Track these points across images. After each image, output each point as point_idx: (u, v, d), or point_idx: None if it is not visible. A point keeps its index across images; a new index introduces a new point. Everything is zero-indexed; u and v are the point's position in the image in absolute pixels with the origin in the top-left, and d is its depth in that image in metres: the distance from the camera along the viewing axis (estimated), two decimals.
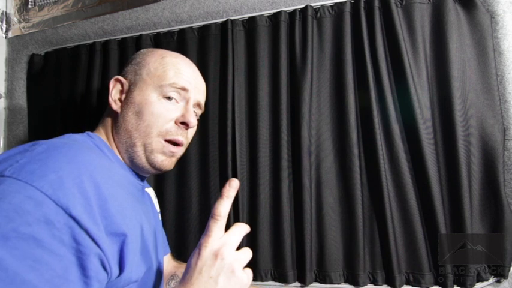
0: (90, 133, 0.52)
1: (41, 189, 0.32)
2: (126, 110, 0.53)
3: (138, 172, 0.56)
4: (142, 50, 0.61)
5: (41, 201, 0.31)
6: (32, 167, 0.33)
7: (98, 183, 0.37)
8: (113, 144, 0.53)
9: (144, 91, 0.53)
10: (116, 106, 0.54)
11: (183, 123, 0.54)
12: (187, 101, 0.55)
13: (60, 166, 0.34)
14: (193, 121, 0.54)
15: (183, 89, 0.54)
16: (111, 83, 0.55)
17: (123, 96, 0.55)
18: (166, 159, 0.53)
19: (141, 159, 0.52)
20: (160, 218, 0.67)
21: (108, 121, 0.55)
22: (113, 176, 0.42)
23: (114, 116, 0.54)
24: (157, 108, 0.52)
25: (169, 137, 0.52)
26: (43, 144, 0.37)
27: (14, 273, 0.28)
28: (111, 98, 0.55)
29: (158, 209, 0.68)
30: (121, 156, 0.53)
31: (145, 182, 0.63)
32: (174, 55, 0.58)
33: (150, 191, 0.66)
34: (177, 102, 0.54)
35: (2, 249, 0.28)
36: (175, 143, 0.54)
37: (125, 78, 0.56)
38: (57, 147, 0.37)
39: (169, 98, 0.53)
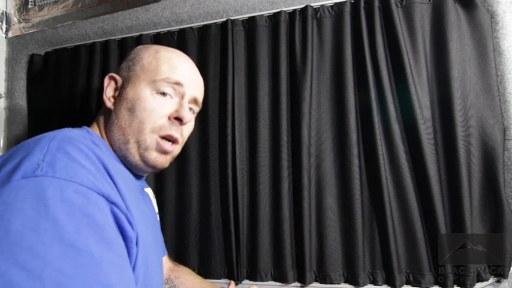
0: (89, 129, 0.52)
1: (81, 183, 0.33)
2: (118, 107, 0.52)
3: (133, 170, 0.54)
4: (138, 47, 0.60)
5: (86, 194, 0.33)
6: (60, 164, 0.34)
7: (112, 175, 0.39)
8: (107, 142, 0.53)
9: (137, 86, 0.52)
10: (109, 103, 0.54)
11: (176, 118, 0.52)
12: (182, 96, 0.53)
13: (82, 160, 0.36)
14: (188, 116, 0.52)
15: (178, 83, 0.52)
16: (106, 80, 0.55)
17: (117, 93, 0.54)
18: (159, 156, 0.52)
19: (135, 156, 0.51)
20: (158, 219, 0.67)
21: (102, 118, 0.55)
22: (120, 173, 0.42)
23: (108, 113, 0.54)
24: (150, 103, 0.50)
25: (162, 133, 0.51)
26: (52, 140, 0.37)
27: (100, 258, 0.30)
28: (106, 96, 0.54)
29: (156, 210, 0.67)
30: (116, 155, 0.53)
31: (144, 181, 0.63)
32: (169, 50, 0.57)
33: (149, 191, 0.66)
34: (171, 97, 0.53)
35: (79, 239, 0.30)
36: (169, 140, 0.52)
37: (119, 75, 0.55)
38: (68, 142, 0.37)
39: (164, 94, 0.52)
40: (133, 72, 0.54)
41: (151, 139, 0.50)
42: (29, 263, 0.27)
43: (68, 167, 0.34)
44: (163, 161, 0.53)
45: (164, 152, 0.52)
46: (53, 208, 0.30)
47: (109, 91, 0.55)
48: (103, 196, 0.35)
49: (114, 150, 0.52)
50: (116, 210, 0.36)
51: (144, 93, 0.51)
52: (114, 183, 0.39)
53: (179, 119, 0.52)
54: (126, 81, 0.54)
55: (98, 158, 0.38)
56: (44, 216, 0.29)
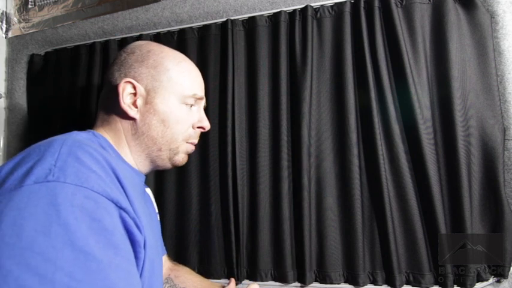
0: (95, 132, 0.52)
1: (92, 188, 0.34)
2: (149, 118, 0.53)
3: (149, 169, 0.58)
4: (147, 47, 0.56)
5: (97, 199, 0.34)
6: (71, 169, 0.34)
7: (121, 180, 0.40)
8: (124, 148, 0.53)
9: (167, 99, 0.54)
10: (132, 112, 0.52)
11: (200, 127, 0.59)
12: (199, 106, 0.60)
13: (92, 165, 0.37)
14: (209, 125, 0.60)
15: (201, 98, 0.59)
16: (121, 85, 0.51)
17: (140, 101, 0.53)
18: (185, 156, 0.60)
19: (164, 160, 0.56)
20: (158, 219, 0.67)
21: (119, 125, 0.53)
22: (127, 176, 0.42)
23: (130, 121, 0.53)
24: (179, 115, 0.55)
25: (190, 141, 0.58)
26: (63, 145, 0.37)
27: (108, 263, 0.31)
28: (124, 102, 0.51)
29: (156, 210, 0.68)
30: (133, 159, 0.54)
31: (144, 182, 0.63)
32: (187, 60, 0.59)
33: (149, 191, 0.67)
34: (191, 107, 0.58)
35: (89, 245, 0.30)
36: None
37: (139, 82, 0.53)
38: (78, 147, 0.38)
39: (187, 104, 0.57)
40: (159, 83, 0.53)
41: (182, 146, 0.57)
42: (40, 267, 0.27)
43: (79, 172, 0.34)
44: (185, 160, 0.60)
45: (189, 153, 0.60)
46: (64, 213, 0.30)
47: (127, 97, 0.52)
48: (112, 201, 0.35)
49: (136, 156, 0.54)
50: (125, 215, 0.36)
51: (174, 106, 0.55)
52: (123, 188, 0.39)
53: (202, 128, 0.60)
54: (152, 91, 0.53)
55: (107, 163, 0.39)
56: (55, 221, 0.30)
